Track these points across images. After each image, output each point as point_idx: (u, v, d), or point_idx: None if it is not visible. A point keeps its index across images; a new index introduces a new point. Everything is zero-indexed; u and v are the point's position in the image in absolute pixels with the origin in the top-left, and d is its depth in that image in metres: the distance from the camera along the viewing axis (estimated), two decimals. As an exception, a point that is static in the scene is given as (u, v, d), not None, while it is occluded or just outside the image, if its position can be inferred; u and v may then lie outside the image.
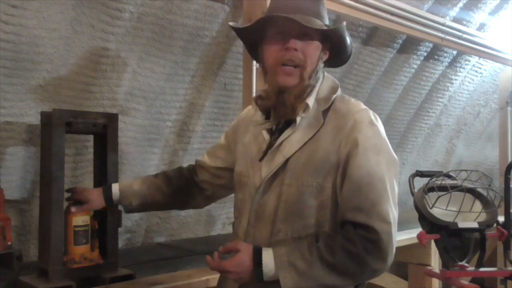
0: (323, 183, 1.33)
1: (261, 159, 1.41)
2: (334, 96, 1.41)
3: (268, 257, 1.28)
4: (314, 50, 1.37)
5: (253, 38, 1.45)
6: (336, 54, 1.46)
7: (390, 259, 1.30)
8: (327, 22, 1.42)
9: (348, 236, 1.27)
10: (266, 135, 1.43)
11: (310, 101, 1.38)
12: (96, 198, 1.73)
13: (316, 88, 1.41)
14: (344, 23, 1.38)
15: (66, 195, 1.79)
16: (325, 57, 1.43)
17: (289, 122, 1.39)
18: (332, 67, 1.53)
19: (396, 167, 1.39)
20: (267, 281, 1.29)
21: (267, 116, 1.44)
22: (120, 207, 1.81)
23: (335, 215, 1.33)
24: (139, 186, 1.72)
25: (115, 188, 1.73)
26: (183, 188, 1.72)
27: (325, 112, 1.38)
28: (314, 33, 1.35)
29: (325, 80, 1.44)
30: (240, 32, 1.48)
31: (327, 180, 1.33)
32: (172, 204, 1.78)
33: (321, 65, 1.41)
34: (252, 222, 1.40)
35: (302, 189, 1.33)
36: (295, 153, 1.35)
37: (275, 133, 1.42)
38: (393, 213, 1.31)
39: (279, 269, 1.27)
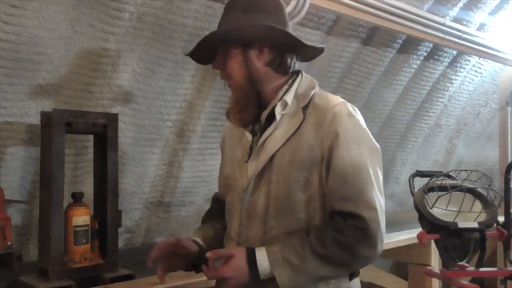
0: (309, 177, 1.35)
1: (247, 161, 1.44)
2: (312, 92, 1.43)
3: (262, 256, 1.30)
4: (232, 60, 1.41)
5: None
6: (286, 46, 1.43)
7: (380, 245, 1.32)
8: (264, 22, 1.39)
9: (338, 227, 1.30)
10: (249, 136, 1.47)
11: (289, 98, 1.41)
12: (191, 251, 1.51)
13: (295, 85, 1.44)
14: (234, 26, 1.38)
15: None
16: (264, 55, 1.40)
17: (270, 121, 1.42)
18: (307, 60, 1.56)
19: (379, 155, 1.40)
20: (263, 280, 1.30)
21: None
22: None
23: (324, 208, 1.36)
24: (211, 232, 1.58)
25: (198, 240, 1.54)
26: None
27: (305, 108, 1.41)
28: (227, 44, 1.40)
29: (304, 79, 1.47)
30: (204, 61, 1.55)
31: (313, 173, 1.35)
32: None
33: (258, 66, 1.40)
34: (244, 222, 1.42)
35: (290, 184, 1.36)
36: (278, 149, 1.38)
37: (257, 133, 1.45)
38: (380, 201, 1.33)
39: (274, 266, 1.29)
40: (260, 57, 1.41)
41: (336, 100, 1.42)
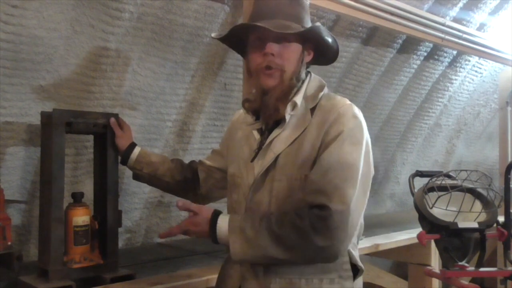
0: None
1: (252, 160, 1.45)
2: (321, 94, 1.45)
3: (223, 221, 1.36)
4: (292, 52, 1.42)
5: (240, 43, 1.52)
6: (321, 52, 1.50)
7: (340, 242, 1.28)
8: (307, 24, 1.46)
9: (299, 213, 1.30)
10: (256, 135, 1.48)
11: (298, 99, 1.43)
12: (123, 142, 1.86)
13: (304, 87, 1.46)
14: (318, 23, 1.42)
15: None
16: (309, 57, 1.48)
17: (279, 121, 1.43)
18: (320, 65, 1.57)
19: (371, 167, 1.42)
20: (262, 272, 1.36)
21: (257, 117, 1.49)
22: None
23: None
24: (156, 159, 1.84)
25: (137, 149, 1.85)
26: (189, 180, 1.80)
27: (313, 110, 1.42)
28: (291, 36, 1.40)
29: (312, 79, 1.49)
30: (225, 41, 1.55)
31: None
32: (175, 190, 1.87)
33: (304, 65, 1.46)
34: None
35: (291, 183, 1.37)
36: (284, 149, 1.39)
37: (265, 133, 1.46)
38: (356, 202, 1.30)
39: (230, 232, 1.33)
40: (307, 57, 1.47)
41: (343, 101, 1.43)
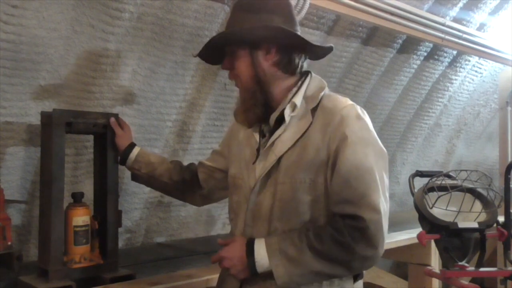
0: (315, 179, 1.35)
1: (254, 162, 1.44)
2: (322, 94, 1.43)
3: (260, 246, 1.33)
4: (238, 60, 1.43)
5: None
6: (297, 46, 1.44)
7: (381, 247, 1.31)
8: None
9: (336, 226, 1.30)
10: (257, 137, 1.48)
11: (298, 100, 1.41)
12: (123, 141, 1.88)
13: (304, 87, 1.44)
14: (242, 27, 1.39)
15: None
16: (271, 56, 1.41)
17: (280, 122, 1.42)
18: (315, 59, 1.56)
19: (385, 159, 1.40)
20: (262, 274, 1.33)
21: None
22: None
23: (329, 210, 1.36)
24: (155, 159, 1.85)
25: (136, 149, 1.87)
26: (187, 181, 1.81)
27: (314, 110, 1.40)
28: (234, 45, 1.43)
29: (312, 80, 1.47)
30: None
31: (319, 175, 1.35)
32: (173, 191, 1.88)
33: (267, 66, 1.42)
34: (249, 222, 1.43)
35: (296, 186, 1.36)
36: (287, 151, 1.38)
37: (266, 134, 1.46)
38: (383, 204, 1.32)
39: (271, 257, 1.31)
40: (267, 57, 1.42)
41: (345, 102, 1.41)
